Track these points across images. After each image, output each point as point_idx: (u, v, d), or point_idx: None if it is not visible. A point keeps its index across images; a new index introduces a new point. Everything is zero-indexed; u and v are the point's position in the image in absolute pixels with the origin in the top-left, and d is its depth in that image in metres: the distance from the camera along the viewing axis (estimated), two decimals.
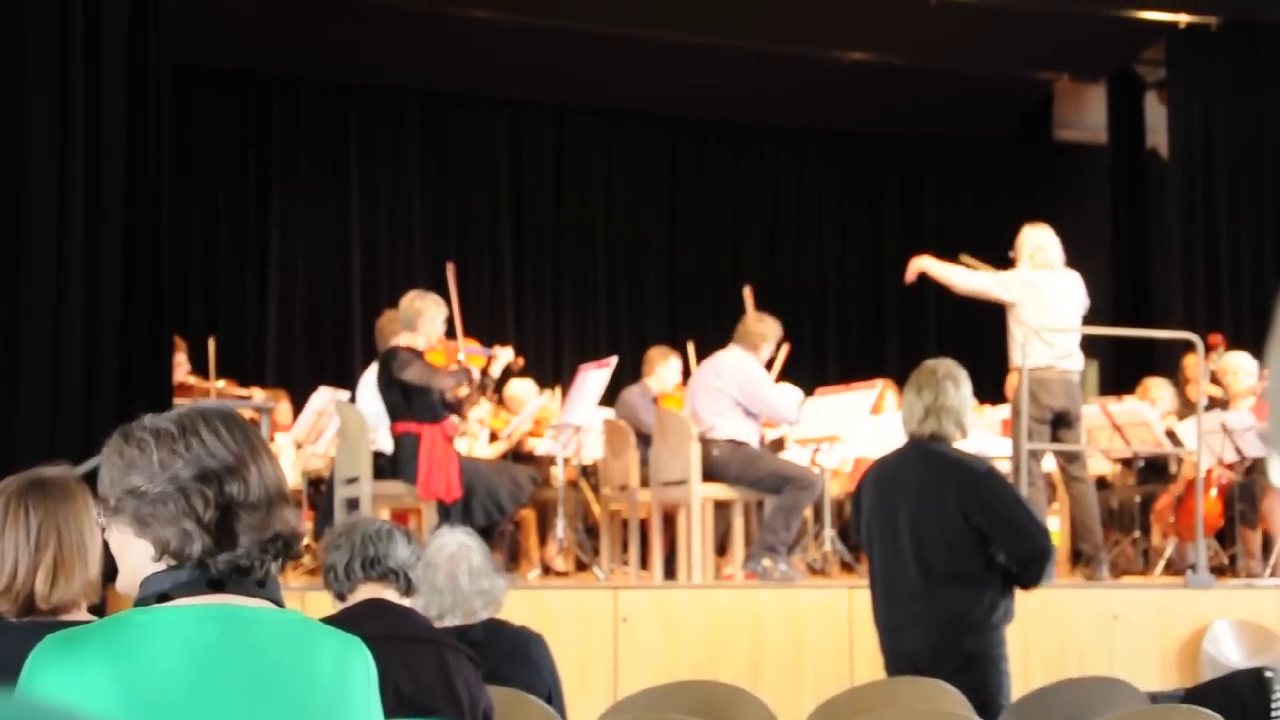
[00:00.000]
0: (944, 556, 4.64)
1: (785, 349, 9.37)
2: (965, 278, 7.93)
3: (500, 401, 9.56)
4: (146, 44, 7.69)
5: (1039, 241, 7.88)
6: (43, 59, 7.35)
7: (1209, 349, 8.99)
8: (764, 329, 7.86)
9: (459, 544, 3.82)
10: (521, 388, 9.63)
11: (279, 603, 1.97)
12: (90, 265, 7.37)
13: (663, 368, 8.66)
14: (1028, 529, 4.64)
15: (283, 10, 10.95)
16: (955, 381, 4.75)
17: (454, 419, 7.32)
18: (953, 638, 4.63)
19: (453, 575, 3.76)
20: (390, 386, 7.10)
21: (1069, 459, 7.88)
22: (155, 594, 1.91)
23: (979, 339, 11.63)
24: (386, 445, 7.28)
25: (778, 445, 8.70)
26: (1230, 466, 8.44)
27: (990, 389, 9.70)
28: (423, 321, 7.25)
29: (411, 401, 7.07)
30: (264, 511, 1.93)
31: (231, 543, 1.92)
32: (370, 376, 7.64)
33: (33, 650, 1.85)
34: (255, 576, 1.93)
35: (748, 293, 8.98)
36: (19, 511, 2.75)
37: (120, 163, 7.50)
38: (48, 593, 2.70)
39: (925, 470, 4.72)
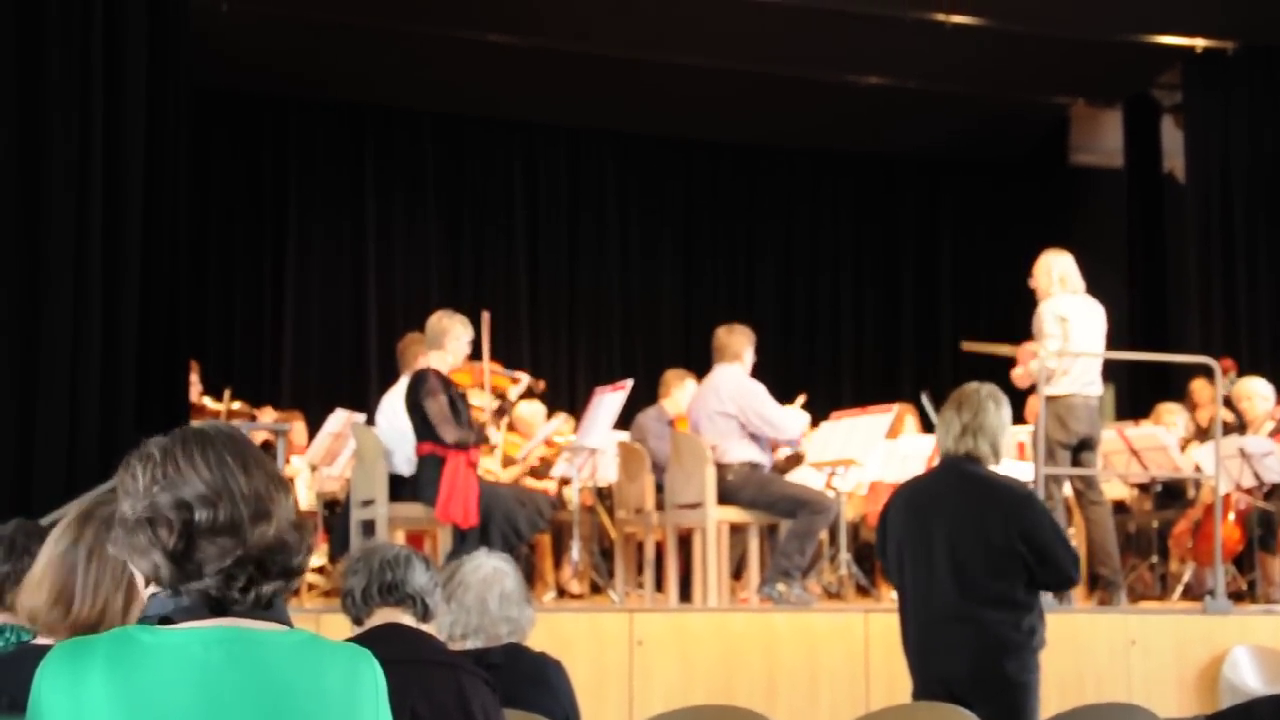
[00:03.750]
0: (984, 579, 4.61)
1: (802, 398, 9.40)
2: (1036, 367, 7.74)
3: (510, 426, 9.56)
4: (165, 68, 7.74)
5: (1066, 268, 7.86)
6: (63, 82, 7.39)
7: (1223, 374, 8.97)
8: (738, 338, 7.84)
9: (494, 568, 3.81)
10: (531, 410, 9.63)
11: (287, 623, 1.96)
12: (108, 287, 7.40)
13: (679, 390, 8.65)
14: (1062, 558, 4.65)
15: (299, 35, 11.00)
16: (996, 402, 4.75)
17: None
18: (993, 662, 4.60)
19: (482, 598, 3.75)
20: (417, 408, 7.10)
21: (1086, 483, 7.87)
22: (157, 616, 1.90)
23: (994, 363, 11.62)
24: (404, 467, 7.27)
25: (793, 462, 8.68)
26: (1249, 491, 8.39)
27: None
28: (449, 340, 7.25)
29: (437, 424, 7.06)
30: (237, 537, 1.89)
31: (198, 573, 1.89)
32: (393, 396, 7.65)
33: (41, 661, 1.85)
34: (244, 602, 1.91)
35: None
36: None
37: (138, 185, 7.55)
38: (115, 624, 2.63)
39: (963, 491, 4.69)
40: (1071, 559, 4.71)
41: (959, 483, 4.71)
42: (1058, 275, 7.83)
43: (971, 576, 4.62)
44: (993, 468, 4.78)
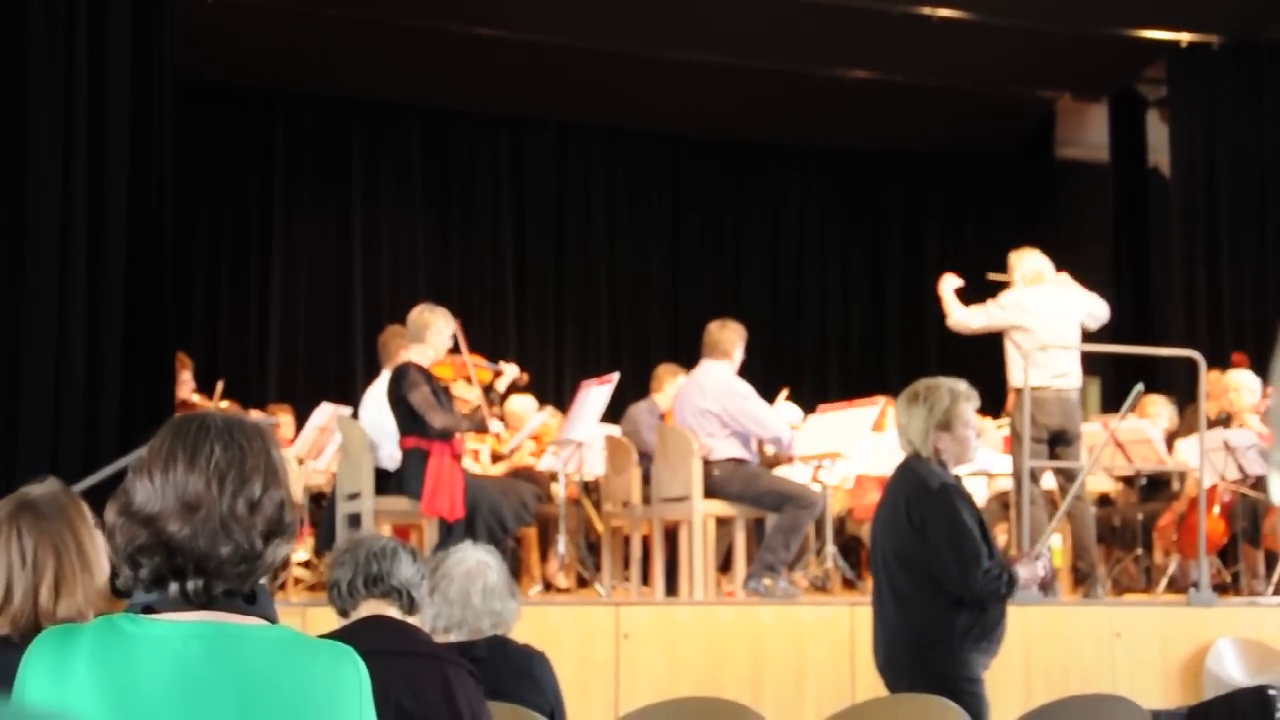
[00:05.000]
0: (900, 572, 4.60)
1: (785, 392, 9.42)
2: (960, 314, 7.94)
3: (502, 419, 9.56)
4: (150, 60, 7.72)
5: (1032, 265, 7.92)
6: (46, 75, 7.37)
7: (1231, 366, 8.99)
8: (729, 334, 7.83)
9: (477, 560, 3.81)
10: (522, 404, 9.63)
11: (271, 618, 1.96)
12: (93, 281, 7.38)
13: (671, 385, 8.65)
14: (950, 563, 4.48)
15: (286, 27, 10.98)
16: (912, 399, 4.68)
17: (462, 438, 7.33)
18: (910, 656, 4.56)
19: (465, 591, 3.75)
20: (400, 402, 7.10)
21: (1068, 477, 7.88)
22: (141, 605, 1.91)
23: (980, 357, 11.64)
24: (389, 461, 7.27)
25: (778, 460, 8.69)
26: (1233, 484, 8.42)
27: (992, 406, 9.70)
28: (431, 334, 7.25)
29: (421, 418, 7.06)
30: (150, 529, 1.90)
31: (161, 585, 1.91)
32: (376, 390, 7.64)
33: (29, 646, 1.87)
34: (169, 598, 1.91)
35: None
36: (11, 535, 2.73)
37: (123, 179, 7.52)
38: (53, 609, 2.69)
39: (895, 487, 4.73)
40: (962, 569, 4.45)
41: (895, 478, 4.76)
42: (1020, 275, 7.91)
43: (893, 570, 4.63)
44: (946, 458, 4.70)
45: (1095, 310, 8.02)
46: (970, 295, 8.28)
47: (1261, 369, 9.24)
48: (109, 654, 1.83)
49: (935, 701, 4.21)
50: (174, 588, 1.90)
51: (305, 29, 11.00)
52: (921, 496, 4.58)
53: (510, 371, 7.83)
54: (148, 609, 1.90)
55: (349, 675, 1.96)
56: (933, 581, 4.53)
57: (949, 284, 8.15)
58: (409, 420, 7.09)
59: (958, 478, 4.74)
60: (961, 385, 4.73)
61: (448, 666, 3.21)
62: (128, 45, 7.59)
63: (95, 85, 7.48)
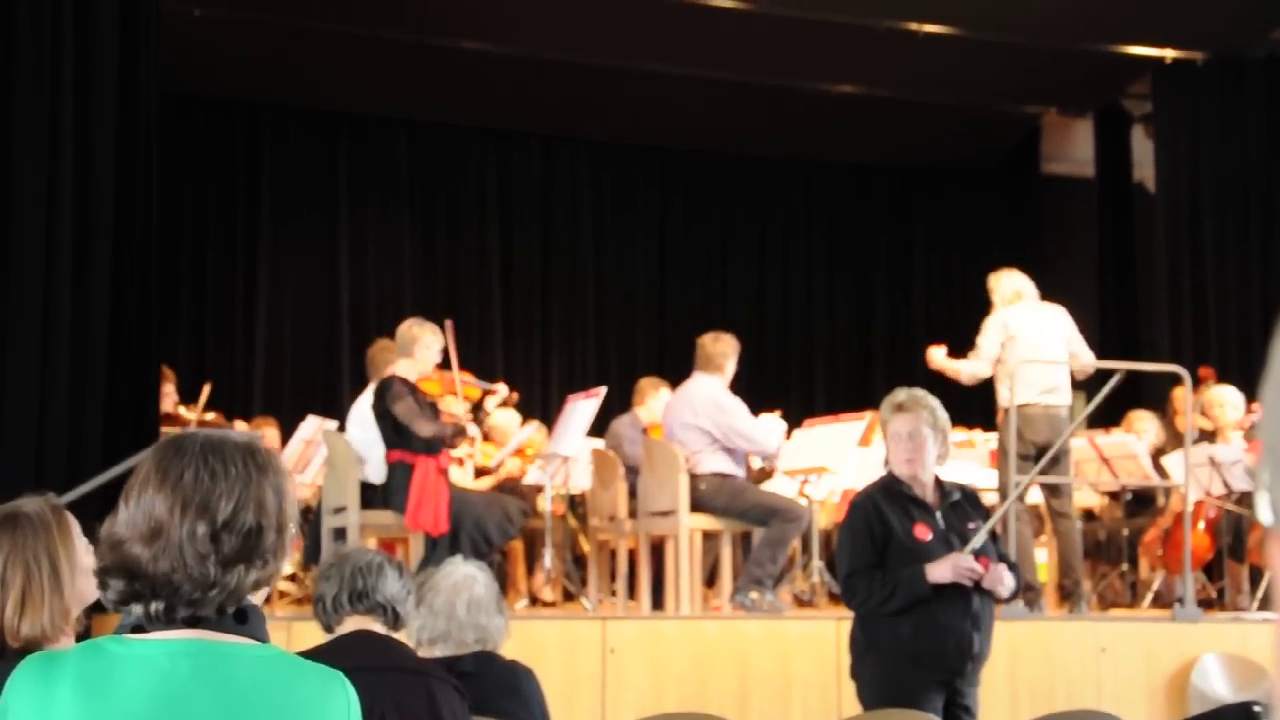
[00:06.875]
0: None
1: (777, 413, 9.42)
2: (969, 368, 7.90)
3: (485, 435, 9.54)
4: (136, 73, 7.70)
5: (1011, 285, 7.92)
6: (32, 88, 7.35)
7: (1199, 382, 9.00)
8: (723, 347, 7.83)
9: (465, 574, 3.81)
10: (505, 418, 9.61)
11: (261, 638, 1.95)
12: (78, 295, 7.35)
13: (653, 398, 8.66)
14: (838, 559, 4.82)
15: (272, 40, 10.97)
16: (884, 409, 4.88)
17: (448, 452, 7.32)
18: (853, 665, 4.80)
19: (451, 603, 3.75)
20: (385, 416, 7.09)
21: (1054, 494, 7.89)
22: (130, 625, 1.90)
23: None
24: (375, 475, 7.26)
25: (765, 474, 8.69)
26: (1218, 499, 8.44)
27: (980, 420, 9.71)
28: (419, 348, 7.25)
29: (406, 431, 7.06)
30: (115, 551, 1.89)
31: (128, 605, 1.91)
32: (362, 404, 7.63)
33: (11, 673, 1.85)
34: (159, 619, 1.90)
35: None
36: None
37: (109, 192, 7.50)
38: (15, 628, 2.67)
39: None
40: (844, 564, 4.73)
41: None
42: (999, 297, 7.91)
43: None
44: (894, 470, 4.80)
45: (1081, 349, 7.99)
46: (957, 314, 8.27)
47: (1249, 384, 9.26)
48: (93, 675, 1.82)
49: (918, 717, 4.21)
50: (138, 609, 1.90)
51: (292, 42, 11.00)
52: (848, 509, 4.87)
53: (501, 391, 7.84)
54: (137, 629, 1.90)
55: (337, 697, 1.95)
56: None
57: (936, 356, 8.05)
58: (394, 434, 7.08)
59: (890, 490, 4.74)
60: (897, 395, 4.81)
61: (433, 682, 3.20)
62: (114, 57, 7.57)
63: (81, 97, 7.46)
